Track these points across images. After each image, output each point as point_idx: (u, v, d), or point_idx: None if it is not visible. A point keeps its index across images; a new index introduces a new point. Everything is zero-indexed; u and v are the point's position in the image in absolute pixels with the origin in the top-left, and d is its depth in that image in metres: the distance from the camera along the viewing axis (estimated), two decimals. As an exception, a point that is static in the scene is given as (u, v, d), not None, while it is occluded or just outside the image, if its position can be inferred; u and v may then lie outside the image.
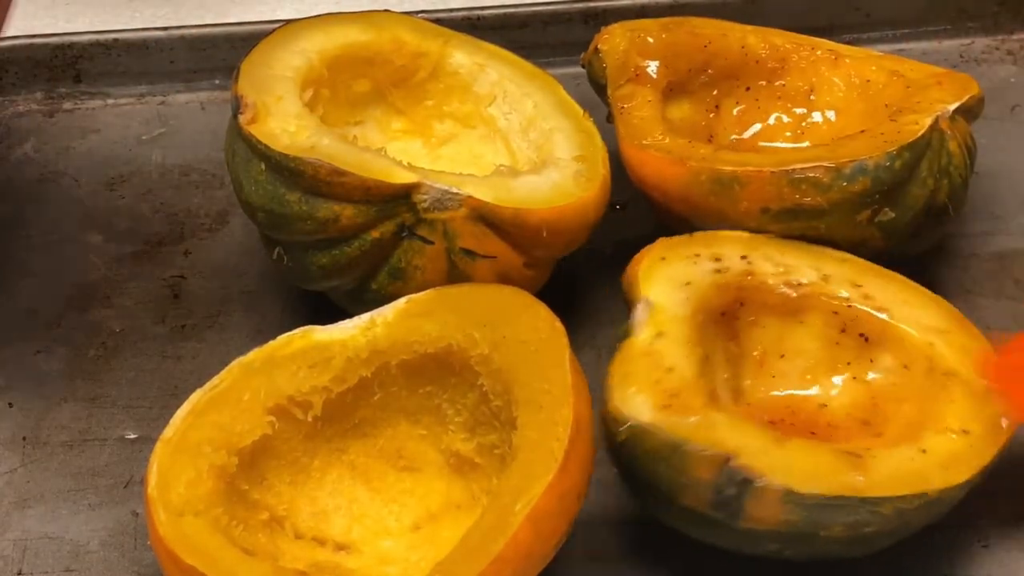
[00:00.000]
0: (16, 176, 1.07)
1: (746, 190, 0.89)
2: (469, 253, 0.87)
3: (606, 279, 0.87)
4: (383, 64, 0.98)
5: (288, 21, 0.98)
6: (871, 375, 0.86)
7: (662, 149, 0.92)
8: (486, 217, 0.87)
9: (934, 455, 0.78)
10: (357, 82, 0.97)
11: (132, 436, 0.90)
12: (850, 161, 0.88)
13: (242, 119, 0.88)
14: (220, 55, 1.13)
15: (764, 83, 1.02)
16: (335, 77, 0.95)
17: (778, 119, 1.02)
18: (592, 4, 1.14)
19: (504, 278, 0.89)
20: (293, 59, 0.93)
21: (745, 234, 0.90)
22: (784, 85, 1.02)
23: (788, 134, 1.02)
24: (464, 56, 0.99)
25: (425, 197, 0.86)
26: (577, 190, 0.90)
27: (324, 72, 0.94)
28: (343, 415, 0.83)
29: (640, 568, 0.83)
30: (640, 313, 0.83)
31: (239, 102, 0.89)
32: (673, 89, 1.00)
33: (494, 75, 0.98)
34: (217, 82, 1.13)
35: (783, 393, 0.87)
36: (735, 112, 1.02)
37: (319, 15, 0.97)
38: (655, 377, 0.79)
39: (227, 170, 0.93)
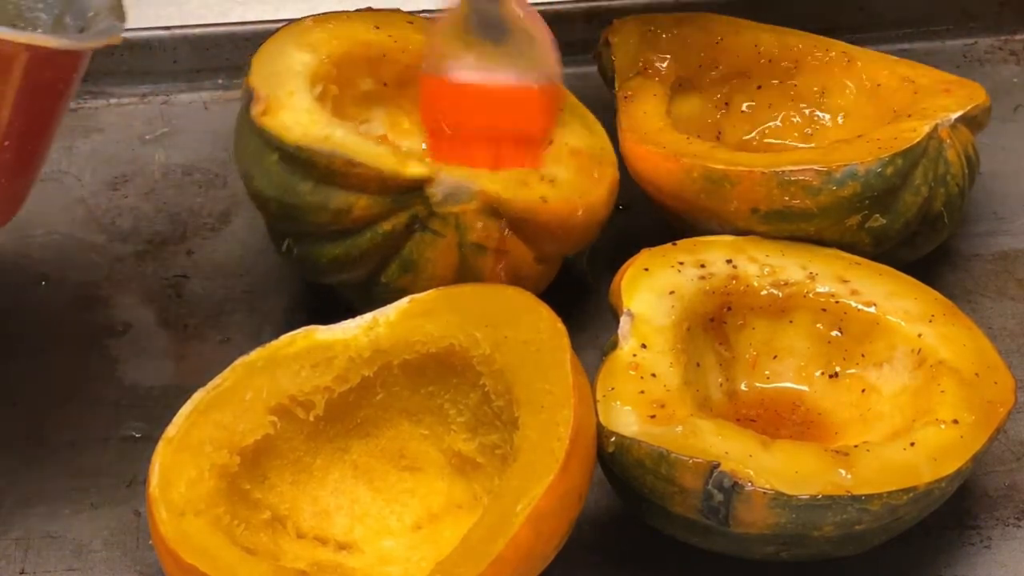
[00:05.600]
0: (19, 175, 1.07)
1: (736, 189, 0.89)
2: (480, 247, 0.88)
3: (608, 280, 0.87)
4: (390, 63, 0.98)
5: (291, 20, 0.98)
6: (863, 369, 0.86)
7: (658, 144, 0.92)
8: (498, 211, 0.87)
9: (923, 447, 0.78)
10: (363, 80, 0.97)
11: (134, 435, 0.90)
12: (841, 165, 0.88)
13: (254, 111, 0.89)
14: (223, 55, 1.13)
15: (776, 82, 1.02)
16: (343, 75, 0.95)
17: (788, 119, 1.02)
18: (595, 4, 1.14)
19: (514, 272, 0.89)
20: (303, 55, 0.93)
21: (729, 238, 0.90)
22: (796, 85, 1.02)
23: (797, 135, 1.02)
24: None
25: (438, 190, 0.86)
26: (588, 186, 0.91)
27: (333, 70, 0.94)
28: (345, 415, 0.83)
29: (641, 568, 0.83)
30: (623, 325, 0.83)
31: (251, 94, 0.89)
32: (682, 85, 1.00)
33: (499, 74, 0.98)
34: (220, 82, 1.13)
35: (778, 392, 0.87)
36: (744, 110, 1.02)
37: (328, 12, 0.97)
38: (639, 388, 0.80)
39: (234, 165, 0.93)
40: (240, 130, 0.91)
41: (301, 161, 0.86)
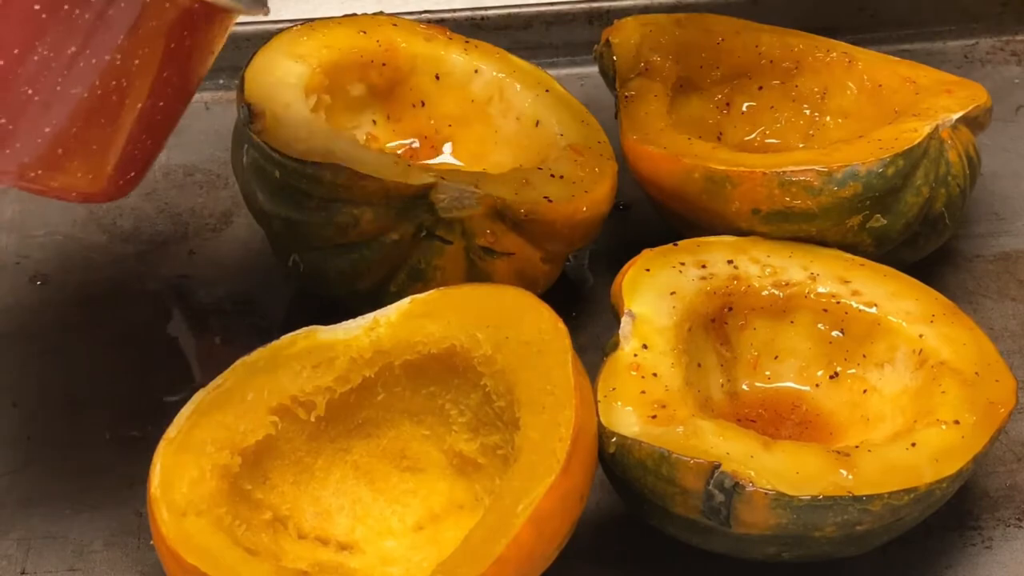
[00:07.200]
0: (21, 176, 1.07)
1: (738, 190, 0.89)
2: (488, 251, 0.88)
3: (609, 281, 0.88)
4: (378, 68, 0.98)
5: (292, 22, 0.98)
6: (864, 370, 0.86)
7: (660, 145, 0.92)
8: (503, 214, 0.87)
9: (924, 448, 0.78)
10: (353, 86, 0.97)
11: (135, 435, 0.90)
12: (842, 166, 0.88)
13: (253, 128, 0.88)
14: (224, 55, 1.10)
15: (777, 83, 1.02)
16: (334, 83, 0.96)
17: (789, 120, 1.02)
18: (596, 4, 1.14)
19: (522, 274, 0.89)
20: (295, 66, 0.93)
21: (730, 238, 0.90)
22: (797, 86, 1.02)
23: (798, 135, 1.02)
24: (459, 56, 0.99)
25: (443, 197, 0.86)
26: (589, 181, 0.91)
27: (325, 79, 0.94)
28: (346, 415, 0.83)
29: (641, 569, 0.83)
30: (624, 326, 0.83)
31: (249, 112, 0.89)
32: (684, 85, 1.00)
33: (489, 74, 0.99)
34: (221, 82, 1.13)
35: (779, 392, 0.87)
36: (744, 111, 1.02)
37: (313, 21, 0.97)
38: (640, 389, 0.80)
39: (235, 178, 0.93)
40: (238, 147, 0.91)
41: (306, 177, 0.86)
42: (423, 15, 1.13)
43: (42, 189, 0.74)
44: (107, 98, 0.72)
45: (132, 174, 0.78)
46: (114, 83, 0.72)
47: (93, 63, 0.71)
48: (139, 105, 0.74)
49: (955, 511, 0.84)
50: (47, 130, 0.72)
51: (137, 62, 0.72)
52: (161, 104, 0.76)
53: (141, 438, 0.89)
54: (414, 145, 0.99)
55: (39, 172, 0.73)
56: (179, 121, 0.80)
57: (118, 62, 0.72)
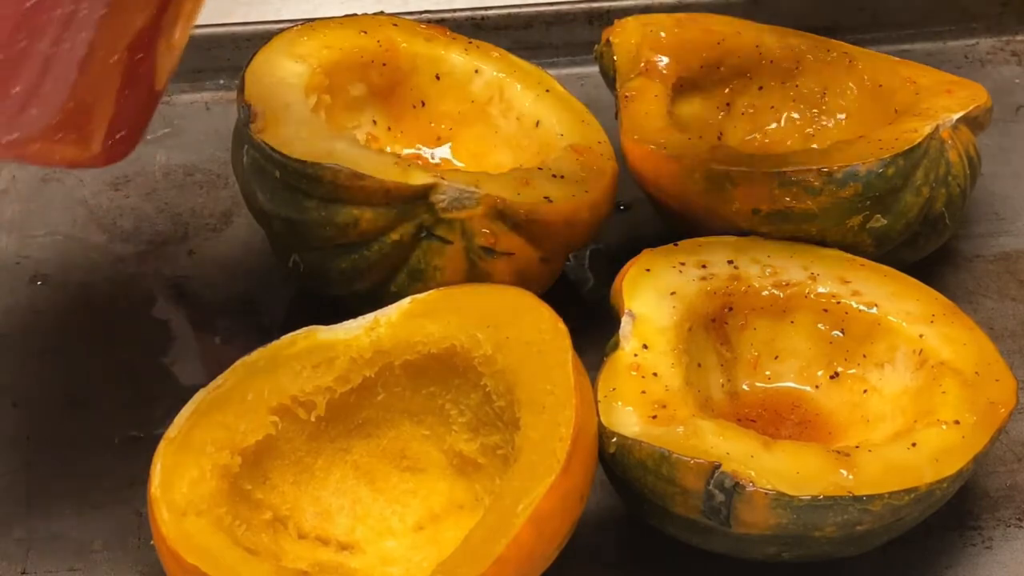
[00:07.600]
0: (20, 175, 1.07)
1: (738, 190, 0.89)
2: (488, 251, 0.88)
3: (610, 281, 0.88)
4: (378, 68, 0.98)
5: (292, 22, 0.98)
6: (864, 370, 0.86)
7: (659, 145, 0.92)
8: (503, 214, 0.87)
9: (924, 448, 0.78)
10: (354, 86, 0.97)
11: (136, 435, 0.90)
12: (842, 166, 0.88)
13: (254, 128, 0.88)
14: (225, 55, 1.13)
15: (777, 83, 1.02)
16: (334, 83, 0.96)
17: (789, 120, 1.02)
18: (596, 4, 1.14)
19: (522, 274, 0.89)
20: (295, 66, 0.93)
21: (731, 238, 0.90)
22: (798, 86, 1.02)
23: (799, 135, 1.02)
24: (459, 56, 0.99)
25: (443, 197, 0.86)
26: (590, 181, 0.91)
27: (325, 79, 0.95)
28: (346, 415, 0.83)
29: (641, 569, 0.83)
30: (624, 326, 0.83)
31: (249, 111, 0.89)
32: (684, 85, 1.00)
33: (490, 74, 0.99)
34: (222, 82, 1.13)
35: (779, 392, 0.87)
36: (744, 111, 1.02)
37: (312, 21, 0.98)
38: (640, 389, 0.80)
39: (235, 178, 0.93)
40: (238, 147, 0.91)
41: (306, 177, 0.86)
42: (423, 15, 1.13)
43: (24, 156, 0.71)
44: (73, 53, 0.69)
45: (122, 133, 0.75)
46: (82, 35, 0.69)
47: (56, 15, 0.68)
48: (113, 59, 0.71)
49: (955, 511, 0.84)
50: (16, 91, 0.69)
51: (104, 11, 0.69)
52: (141, 57, 0.73)
53: (141, 438, 0.89)
54: (420, 160, 0.99)
55: (16, 136, 0.70)
56: (171, 76, 0.77)
57: (83, 13, 0.69)
